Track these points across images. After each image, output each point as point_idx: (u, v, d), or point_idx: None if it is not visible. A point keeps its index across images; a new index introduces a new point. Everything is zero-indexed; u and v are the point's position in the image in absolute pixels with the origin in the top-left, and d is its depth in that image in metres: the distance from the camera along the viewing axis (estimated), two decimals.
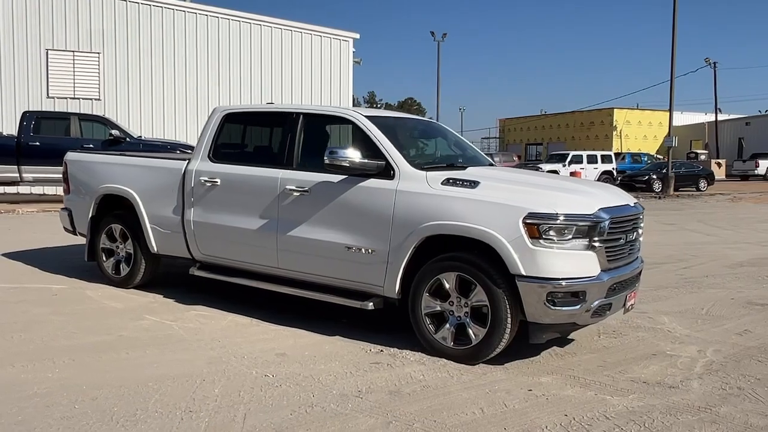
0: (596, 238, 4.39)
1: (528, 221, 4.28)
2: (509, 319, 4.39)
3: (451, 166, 5.23)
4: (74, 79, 18.88)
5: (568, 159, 29.51)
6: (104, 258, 6.77)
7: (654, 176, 28.89)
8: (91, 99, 19.06)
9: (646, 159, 35.92)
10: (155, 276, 6.74)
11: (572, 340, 5.26)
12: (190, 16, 20.23)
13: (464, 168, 5.14)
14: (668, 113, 28.59)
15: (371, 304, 4.96)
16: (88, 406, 3.66)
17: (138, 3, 19.46)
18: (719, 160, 41.32)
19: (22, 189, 16.15)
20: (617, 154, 34.93)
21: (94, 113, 17.23)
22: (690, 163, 34.12)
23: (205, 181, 5.83)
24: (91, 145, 13.79)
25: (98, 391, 3.88)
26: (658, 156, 40.99)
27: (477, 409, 3.77)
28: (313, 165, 5.24)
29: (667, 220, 15.95)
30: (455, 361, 4.57)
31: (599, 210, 4.44)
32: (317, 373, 4.31)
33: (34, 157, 13.71)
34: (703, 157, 43.24)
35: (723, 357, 4.87)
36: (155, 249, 6.31)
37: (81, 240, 7.06)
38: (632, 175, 30.38)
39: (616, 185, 28.27)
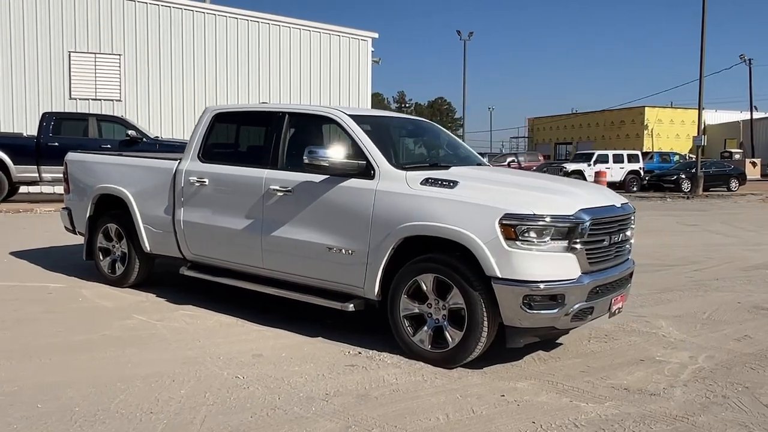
0: (576, 240, 4.26)
1: (504, 222, 4.17)
2: (486, 323, 4.28)
3: (434, 166, 5.14)
4: (96, 81, 19.19)
5: (594, 158, 28.98)
6: (101, 257, 6.83)
7: (683, 176, 28.29)
8: (112, 100, 19.36)
9: (675, 158, 35.12)
10: (153, 275, 6.79)
11: (560, 344, 5.12)
12: (209, 18, 20.40)
13: (448, 167, 5.04)
14: (702, 112, 28.00)
15: (351, 305, 4.89)
16: (52, 406, 3.66)
17: (158, 5, 19.69)
18: (754, 160, 40.23)
19: (46, 189, 16.49)
20: (645, 154, 34.21)
21: (114, 114, 17.49)
22: (721, 163, 33.34)
23: (195, 181, 5.83)
24: (109, 146, 13.99)
25: (66, 391, 3.88)
26: (691, 155, 40.07)
27: (442, 414, 3.68)
28: (297, 165, 5.19)
29: (690, 221, 15.57)
30: (432, 364, 4.48)
31: (580, 211, 4.31)
32: (289, 375, 4.26)
33: (53, 157, 13.89)
34: (737, 156, 42.13)
35: (714, 364, 4.69)
36: (148, 248, 6.34)
37: None
38: (660, 175, 29.79)
39: (644, 185, 27.93)
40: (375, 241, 4.69)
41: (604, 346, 5.09)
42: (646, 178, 29.58)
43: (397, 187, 4.67)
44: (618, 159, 29.39)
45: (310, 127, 5.53)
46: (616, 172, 28.80)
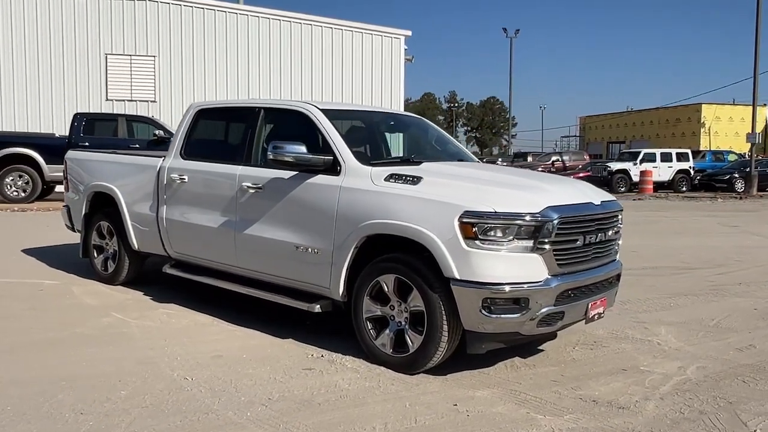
0: (543, 240, 3.96)
1: (464, 220, 3.91)
2: (446, 327, 4.03)
3: (405, 161, 4.90)
4: (131, 82, 19.64)
5: (640, 157, 27.93)
6: (95, 255, 6.85)
7: (736, 175, 27.06)
8: (147, 101, 19.76)
9: (729, 157, 33.60)
10: (148, 272, 6.77)
11: (541, 350, 4.83)
12: (242, 18, 20.60)
13: (420, 163, 4.79)
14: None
15: (318, 306, 4.71)
16: None
17: (191, 7, 19.98)
18: None
19: None
20: (697, 152, 32.83)
21: (147, 115, 17.79)
22: None
23: (176, 178, 5.77)
24: (137, 145, 14.20)
25: (8, 389, 3.83)
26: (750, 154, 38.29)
27: (381, 423, 3.46)
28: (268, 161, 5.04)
29: (732, 222, 14.78)
30: (394, 369, 4.26)
31: (547, 208, 4.01)
32: (240, 377, 4.11)
33: None
34: None
35: (704, 375, 4.31)
36: (136, 246, 6.31)
37: None
38: (712, 174, 28.58)
39: (694, 185, 26.73)
40: (339, 239, 4.50)
41: (587, 354, 4.77)
42: (697, 177, 28.40)
43: (361, 184, 4.46)
44: (666, 158, 28.23)
45: (284, 123, 5.37)
46: (664, 171, 27.73)
